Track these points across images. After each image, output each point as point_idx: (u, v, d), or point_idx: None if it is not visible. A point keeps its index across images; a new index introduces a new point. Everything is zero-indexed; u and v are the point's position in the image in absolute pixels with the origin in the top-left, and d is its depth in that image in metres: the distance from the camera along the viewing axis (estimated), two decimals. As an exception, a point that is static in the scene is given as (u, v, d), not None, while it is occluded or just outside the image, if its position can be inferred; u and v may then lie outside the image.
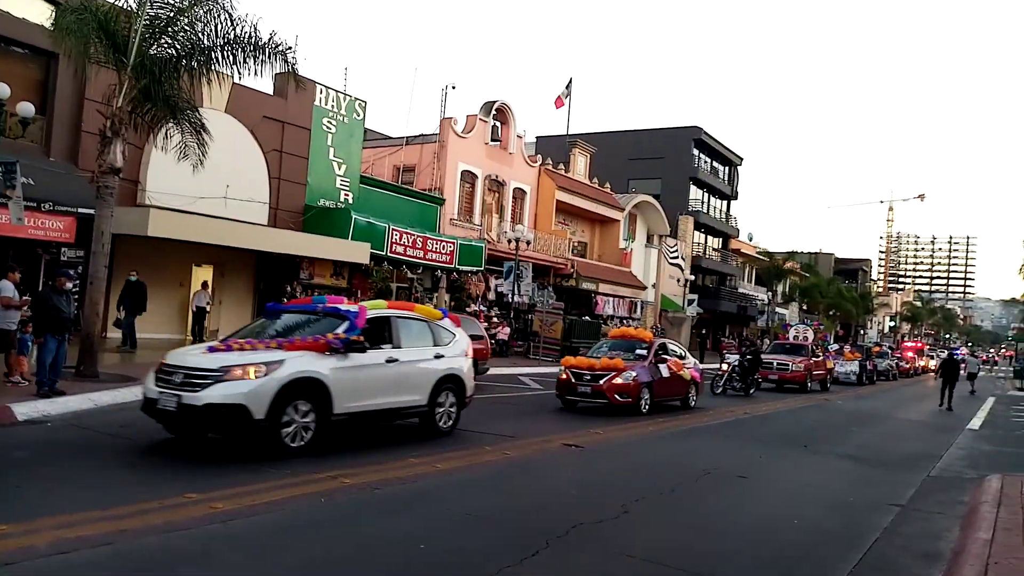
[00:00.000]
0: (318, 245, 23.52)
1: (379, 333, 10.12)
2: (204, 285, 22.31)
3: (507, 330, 29.31)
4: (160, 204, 19.99)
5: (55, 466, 7.74)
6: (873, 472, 11.34)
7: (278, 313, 10.75)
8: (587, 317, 36.22)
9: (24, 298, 12.23)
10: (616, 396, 14.75)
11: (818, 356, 29.67)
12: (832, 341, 53.94)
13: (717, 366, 34.14)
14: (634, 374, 14.97)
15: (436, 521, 6.76)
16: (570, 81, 41.97)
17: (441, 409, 10.87)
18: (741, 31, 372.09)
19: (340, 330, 9.39)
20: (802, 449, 13.01)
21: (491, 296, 32.41)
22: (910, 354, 56.38)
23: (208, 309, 22.23)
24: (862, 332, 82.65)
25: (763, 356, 28.68)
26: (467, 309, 28.53)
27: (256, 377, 8.35)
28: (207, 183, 19.95)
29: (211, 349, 9.11)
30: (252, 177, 23.10)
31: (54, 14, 14.35)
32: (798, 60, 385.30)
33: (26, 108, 14.93)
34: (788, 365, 26.57)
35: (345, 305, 10.28)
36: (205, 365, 8.52)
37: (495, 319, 30.02)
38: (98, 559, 5.14)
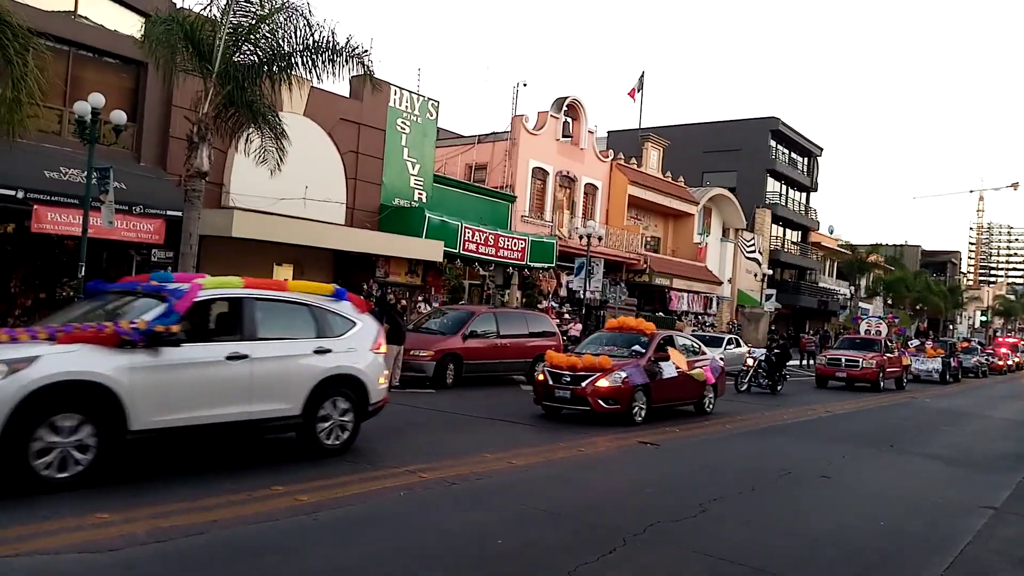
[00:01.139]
0: (393, 244, 23.95)
1: (220, 320, 8.06)
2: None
3: (579, 326, 29.23)
4: (243, 206, 20.71)
5: (146, 458, 8.12)
6: (964, 473, 10.91)
7: (98, 294, 8.53)
8: (661, 313, 35.82)
9: None
10: (600, 402, 12.30)
11: (892, 352, 27.48)
12: (913, 336, 50.93)
13: (796, 363, 33.54)
14: (624, 375, 12.52)
15: (512, 516, 6.84)
16: (642, 75, 41.58)
17: (326, 422, 8.44)
18: (820, 16, 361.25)
19: (148, 316, 7.17)
20: (887, 449, 12.61)
21: (563, 292, 32.40)
22: (1003, 350, 53.67)
23: (288, 307, 22.90)
24: (951, 327, 79.32)
25: (831, 352, 27.15)
26: (538, 305, 28.62)
27: None
28: (287, 184, 20.55)
29: None
30: (329, 178, 23.69)
31: (144, 25, 15.02)
32: (881, 44, 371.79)
33: (118, 116, 15.66)
34: (858, 362, 24.64)
35: (174, 283, 7.84)
36: None
37: (567, 315, 30.00)
38: (193, 547, 5.40)
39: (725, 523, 7.18)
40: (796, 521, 7.54)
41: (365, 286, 24.23)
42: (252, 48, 14.51)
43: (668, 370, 13.53)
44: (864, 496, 9.05)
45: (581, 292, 29.98)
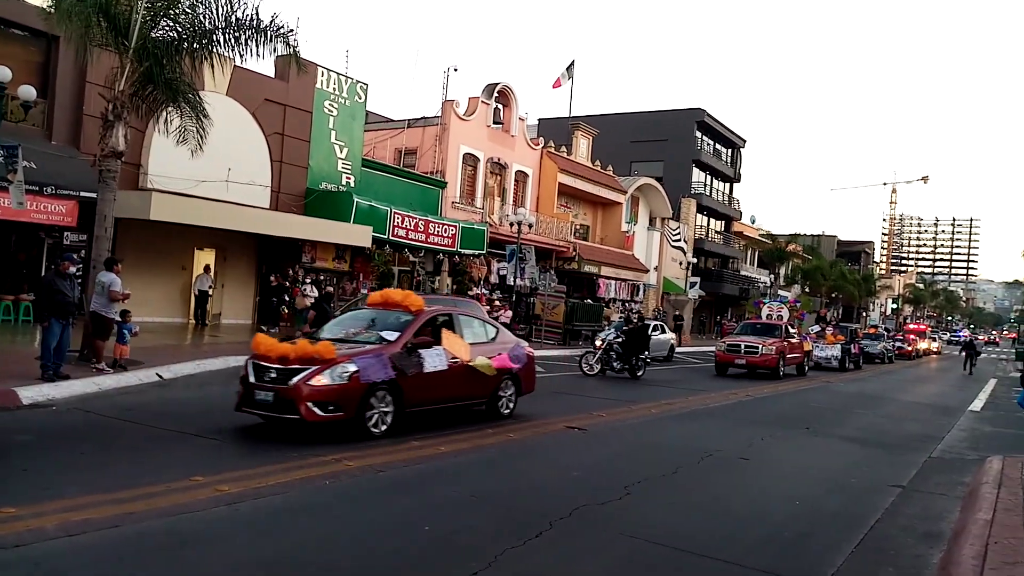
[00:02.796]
0: (320, 229, 23.52)
1: None
2: (206, 269, 22.35)
3: (509, 313, 29.31)
4: (162, 188, 20.00)
5: (61, 450, 7.79)
6: (875, 453, 11.38)
7: None
8: (589, 300, 36.25)
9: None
10: (312, 407, 8.69)
11: (793, 338, 26.25)
12: (814, 322, 49.89)
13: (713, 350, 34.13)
14: (352, 369, 8.92)
15: (439, 503, 6.81)
16: (572, 63, 41.82)
17: None
18: (745, 11, 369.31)
19: None
20: (804, 431, 13.06)
21: (493, 279, 32.43)
22: (912, 336, 56.24)
23: (210, 293, 22.30)
24: (865, 314, 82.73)
25: (730, 338, 25.46)
26: (469, 292, 28.57)
27: None
28: (209, 166, 19.94)
29: None
30: (254, 160, 23.08)
31: (53, -4, 14.27)
32: (801, 40, 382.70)
33: (27, 91, 14.87)
34: (758, 348, 23.43)
35: None
36: None
37: (497, 302, 30.02)
38: (105, 541, 5.19)
39: (649, 505, 7.32)
40: (717, 502, 7.74)
41: (291, 272, 23.77)
42: (171, 23, 13.95)
43: (434, 360, 10.02)
44: (782, 477, 9.37)
45: (512, 279, 30.06)
